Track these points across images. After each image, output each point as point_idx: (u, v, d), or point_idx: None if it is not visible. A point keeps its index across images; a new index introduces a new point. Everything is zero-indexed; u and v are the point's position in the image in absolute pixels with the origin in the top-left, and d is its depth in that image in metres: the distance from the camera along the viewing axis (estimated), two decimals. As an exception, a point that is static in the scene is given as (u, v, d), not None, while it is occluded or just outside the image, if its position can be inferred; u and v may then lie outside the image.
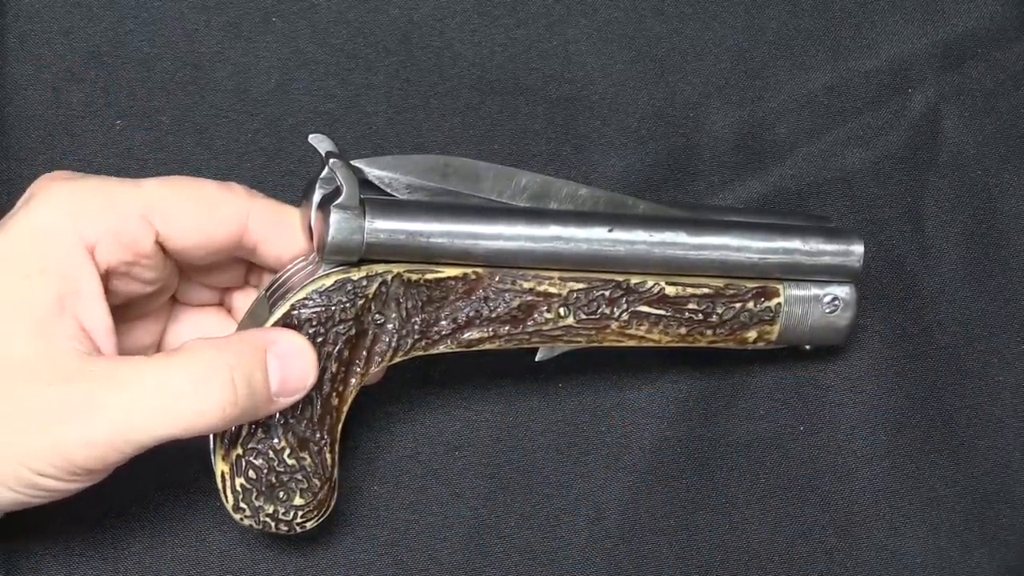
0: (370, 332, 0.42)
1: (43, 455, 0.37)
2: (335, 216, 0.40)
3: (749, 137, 0.53)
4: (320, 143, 0.42)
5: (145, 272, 0.41)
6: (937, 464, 0.51)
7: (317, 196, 0.42)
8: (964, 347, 0.52)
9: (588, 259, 0.44)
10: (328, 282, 0.42)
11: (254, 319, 0.42)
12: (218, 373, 0.38)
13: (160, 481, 0.46)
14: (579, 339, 0.45)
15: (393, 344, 0.43)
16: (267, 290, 0.43)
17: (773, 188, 0.53)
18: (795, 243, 0.46)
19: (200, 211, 0.41)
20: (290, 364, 0.40)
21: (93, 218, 0.39)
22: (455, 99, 0.52)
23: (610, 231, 0.44)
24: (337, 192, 0.41)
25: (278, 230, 0.43)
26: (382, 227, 0.41)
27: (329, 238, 0.40)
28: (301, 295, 0.41)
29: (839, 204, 0.53)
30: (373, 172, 0.43)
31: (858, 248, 0.47)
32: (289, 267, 0.43)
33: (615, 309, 0.45)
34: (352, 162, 0.42)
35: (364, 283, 0.42)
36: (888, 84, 0.54)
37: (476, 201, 0.44)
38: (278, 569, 0.47)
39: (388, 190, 0.43)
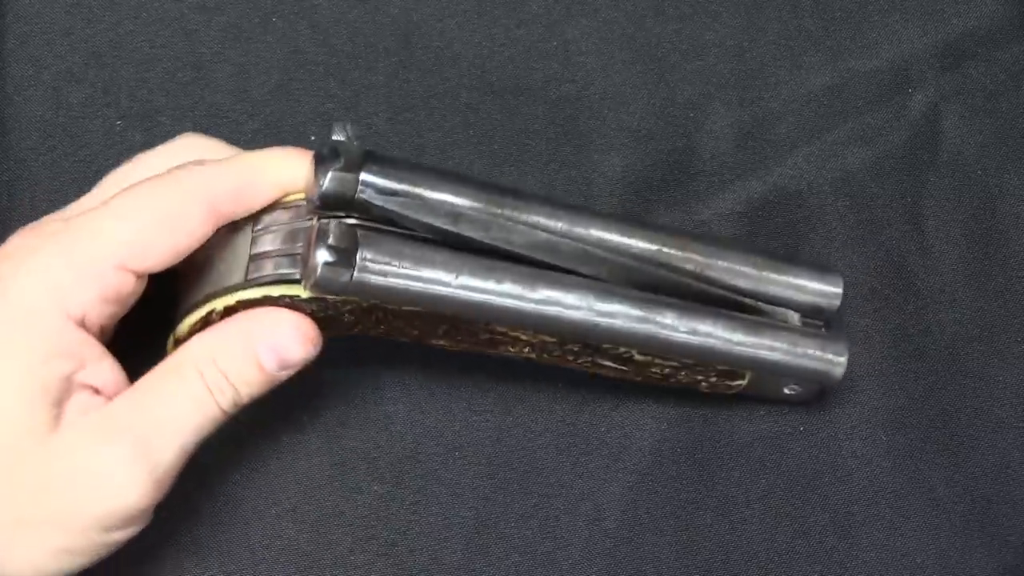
0: (337, 319, 0.42)
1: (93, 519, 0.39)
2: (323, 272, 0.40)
3: (749, 137, 0.53)
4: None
5: (131, 299, 0.41)
6: (937, 464, 0.51)
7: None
8: (964, 347, 0.52)
9: (570, 335, 0.44)
10: (304, 295, 0.41)
11: (231, 257, 0.42)
12: (204, 389, 0.40)
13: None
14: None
15: (356, 329, 0.43)
16: (253, 227, 0.42)
17: (773, 188, 0.53)
18: (781, 343, 0.46)
19: (167, 233, 0.40)
20: (286, 348, 0.41)
21: (74, 293, 0.39)
22: (455, 99, 0.52)
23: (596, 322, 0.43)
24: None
25: (250, 195, 0.41)
26: (373, 282, 0.41)
27: (316, 279, 0.40)
28: (277, 292, 0.41)
29: (839, 204, 0.53)
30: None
31: (842, 360, 0.46)
32: (281, 210, 0.42)
33: (580, 359, 0.45)
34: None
35: (338, 302, 0.42)
36: (888, 84, 0.54)
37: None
38: (279, 570, 0.47)
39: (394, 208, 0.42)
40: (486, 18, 0.53)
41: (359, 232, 0.40)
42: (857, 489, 0.50)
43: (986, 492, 0.50)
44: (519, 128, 0.52)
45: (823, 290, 0.47)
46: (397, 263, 0.40)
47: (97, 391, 0.40)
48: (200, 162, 0.41)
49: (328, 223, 0.40)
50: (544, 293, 0.42)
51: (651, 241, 0.45)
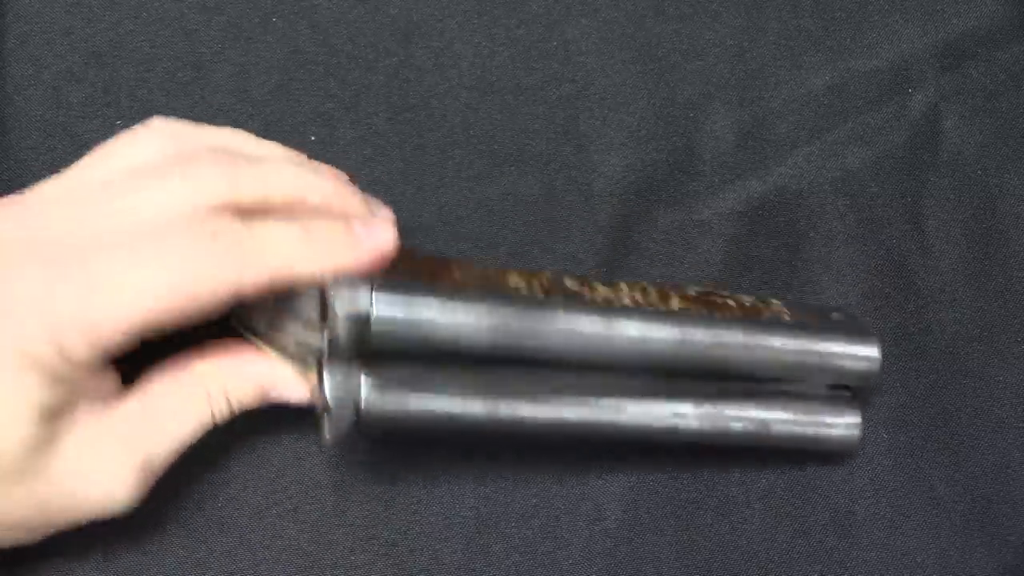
0: None
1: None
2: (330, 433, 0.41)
3: (749, 137, 0.53)
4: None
5: None
6: (938, 463, 0.51)
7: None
8: (964, 347, 0.52)
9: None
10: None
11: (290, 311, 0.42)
12: (207, 407, 0.42)
13: (159, 482, 0.46)
14: None
15: None
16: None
17: (773, 188, 0.53)
18: (792, 418, 0.47)
19: (181, 312, 0.38)
20: (291, 394, 0.43)
21: (73, 341, 0.38)
22: (455, 99, 0.52)
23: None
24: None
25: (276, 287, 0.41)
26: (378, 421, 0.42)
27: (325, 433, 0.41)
28: (290, 364, 0.43)
29: (839, 204, 0.53)
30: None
31: (855, 432, 0.48)
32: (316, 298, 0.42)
33: None
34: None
35: None
36: (888, 84, 0.55)
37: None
38: (279, 570, 0.47)
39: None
40: (486, 18, 0.53)
41: (364, 376, 0.41)
42: (858, 488, 0.50)
43: (986, 491, 0.50)
44: (519, 128, 0.52)
45: (860, 356, 0.47)
46: (402, 400, 0.41)
47: (98, 397, 0.40)
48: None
49: (334, 379, 0.41)
50: (554, 412, 0.43)
51: (679, 329, 0.45)
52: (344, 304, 0.40)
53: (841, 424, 0.47)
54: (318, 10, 0.52)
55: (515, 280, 0.44)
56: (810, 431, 0.47)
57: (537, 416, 0.43)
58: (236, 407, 0.42)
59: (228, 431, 0.48)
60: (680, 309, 0.45)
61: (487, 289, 0.42)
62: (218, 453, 0.47)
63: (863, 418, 0.49)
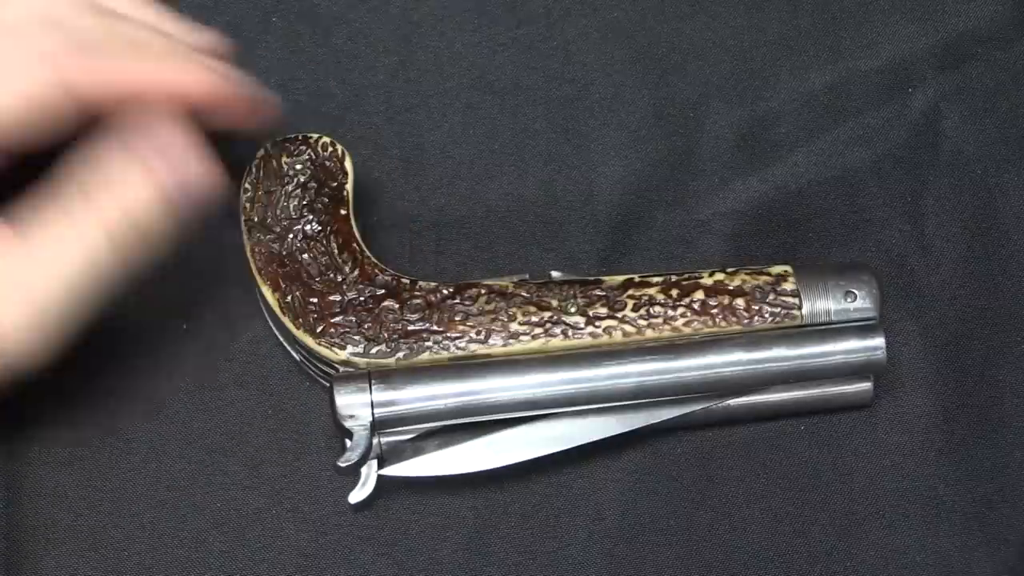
0: None
1: None
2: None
3: (749, 137, 0.53)
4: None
5: None
6: (937, 463, 0.51)
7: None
8: (964, 346, 0.52)
9: None
10: None
11: None
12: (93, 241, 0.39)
13: (159, 483, 0.46)
14: None
15: None
16: None
17: (773, 187, 0.53)
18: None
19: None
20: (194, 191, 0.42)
21: None
22: (455, 99, 0.52)
23: None
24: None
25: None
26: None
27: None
28: None
29: (839, 204, 0.53)
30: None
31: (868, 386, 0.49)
32: None
33: None
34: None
35: None
36: (888, 84, 0.55)
37: None
38: (278, 570, 0.47)
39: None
40: (486, 18, 0.53)
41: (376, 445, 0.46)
42: (857, 488, 0.50)
43: (986, 491, 0.50)
44: (519, 128, 0.52)
45: (864, 350, 0.47)
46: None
47: None
48: None
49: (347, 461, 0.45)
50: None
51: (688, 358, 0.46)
52: (345, 400, 0.45)
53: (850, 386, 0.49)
54: (318, 10, 0.52)
55: (516, 325, 0.46)
56: (823, 394, 0.49)
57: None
58: (141, 230, 0.39)
59: (228, 432, 0.48)
60: (682, 332, 0.46)
61: (483, 362, 0.45)
62: (218, 454, 0.48)
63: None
